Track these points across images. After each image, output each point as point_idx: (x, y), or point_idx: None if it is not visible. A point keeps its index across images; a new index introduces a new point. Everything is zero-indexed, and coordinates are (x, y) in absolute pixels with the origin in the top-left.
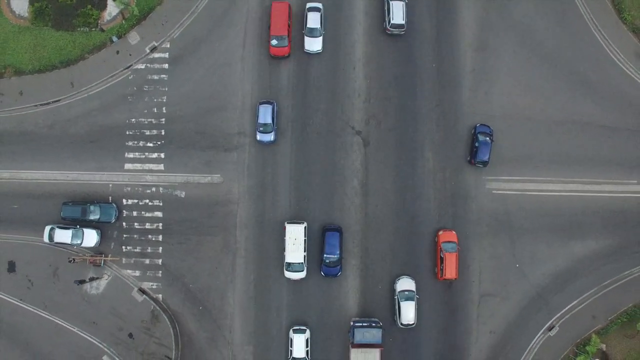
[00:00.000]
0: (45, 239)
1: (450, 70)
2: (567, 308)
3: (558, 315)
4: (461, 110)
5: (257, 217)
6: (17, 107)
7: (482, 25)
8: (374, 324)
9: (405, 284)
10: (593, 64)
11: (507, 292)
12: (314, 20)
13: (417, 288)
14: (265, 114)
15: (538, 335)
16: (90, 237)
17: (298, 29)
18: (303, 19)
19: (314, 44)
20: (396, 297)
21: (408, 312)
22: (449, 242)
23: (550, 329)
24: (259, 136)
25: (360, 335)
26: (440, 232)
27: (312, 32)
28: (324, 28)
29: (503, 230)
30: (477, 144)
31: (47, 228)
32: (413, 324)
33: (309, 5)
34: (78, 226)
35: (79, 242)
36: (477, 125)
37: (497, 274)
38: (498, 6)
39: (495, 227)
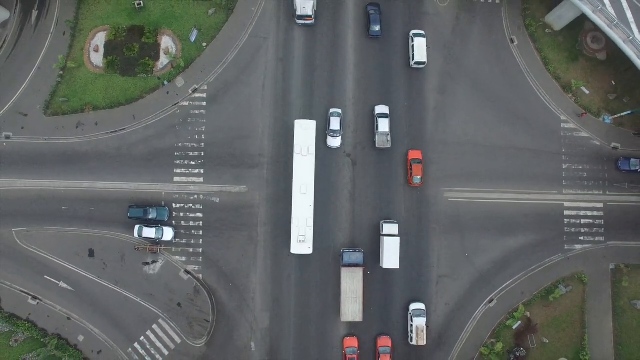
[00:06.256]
0: (135, 234)
1: (417, 108)
2: (503, 286)
3: (496, 291)
4: (425, 138)
5: (273, 217)
6: (93, 134)
7: (442, 74)
8: (357, 250)
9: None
10: (526, 102)
11: (458, 274)
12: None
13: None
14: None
15: (481, 306)
16: (168, 233)
17: None
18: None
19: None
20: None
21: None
22: (417, 159)
23: (490, 301)
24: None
25: (348, 258)
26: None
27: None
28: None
29: (456, 228)
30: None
31: (137, 227)
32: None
33: (331, 110)
34: (159, 225)
35: (160, 236)
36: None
37: (451, 260)
38: (455, 59)
39: (449, 226)
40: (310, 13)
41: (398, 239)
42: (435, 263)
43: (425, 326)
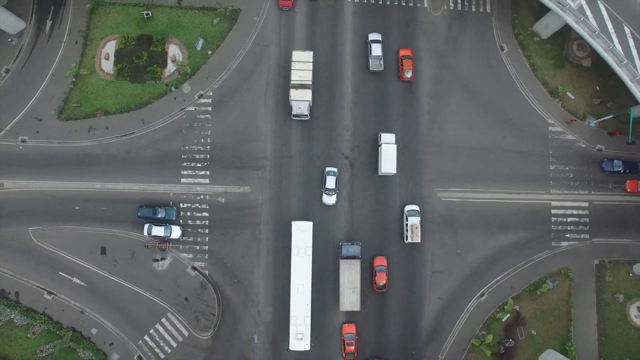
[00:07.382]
0: (145, 233)
1: (412, 112)
2: (493, 281)
3: (487, 286)
4: (420, 141)
5: (275, 216)
6: (105, 138)
7: (436, 80)
8: (355, 243)
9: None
10: (516, 107)
11: (451, 270)
12: (330, 181)
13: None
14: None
15: (472, 300)
16: (176, 231)
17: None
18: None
19: (329, 200)
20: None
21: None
22: (407, 55)
23: (481, 296)
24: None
25: (346, 250)
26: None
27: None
28: (338, 188)
29: (449, 226)
30: None
31: (146, 226)
32: None
33: (327, 169)
34: (168, 224)
35: (168, 235)
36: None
37: (444, 257)
38: (447, 66)
39: (443, 224)
40: (305, 112)
41: (395, 146)
42: (429, 259)
43: (419, 224)
